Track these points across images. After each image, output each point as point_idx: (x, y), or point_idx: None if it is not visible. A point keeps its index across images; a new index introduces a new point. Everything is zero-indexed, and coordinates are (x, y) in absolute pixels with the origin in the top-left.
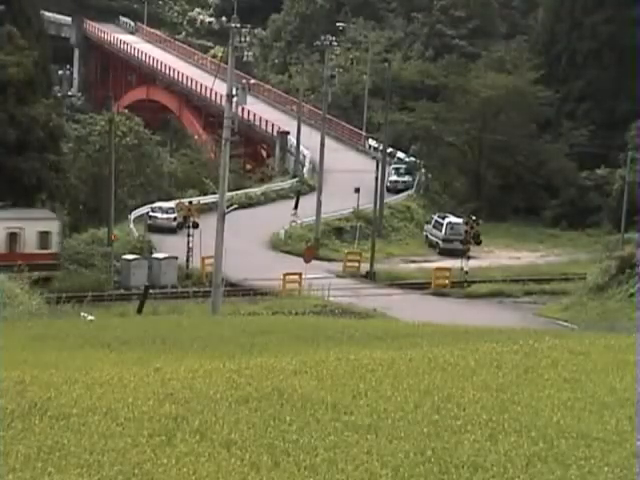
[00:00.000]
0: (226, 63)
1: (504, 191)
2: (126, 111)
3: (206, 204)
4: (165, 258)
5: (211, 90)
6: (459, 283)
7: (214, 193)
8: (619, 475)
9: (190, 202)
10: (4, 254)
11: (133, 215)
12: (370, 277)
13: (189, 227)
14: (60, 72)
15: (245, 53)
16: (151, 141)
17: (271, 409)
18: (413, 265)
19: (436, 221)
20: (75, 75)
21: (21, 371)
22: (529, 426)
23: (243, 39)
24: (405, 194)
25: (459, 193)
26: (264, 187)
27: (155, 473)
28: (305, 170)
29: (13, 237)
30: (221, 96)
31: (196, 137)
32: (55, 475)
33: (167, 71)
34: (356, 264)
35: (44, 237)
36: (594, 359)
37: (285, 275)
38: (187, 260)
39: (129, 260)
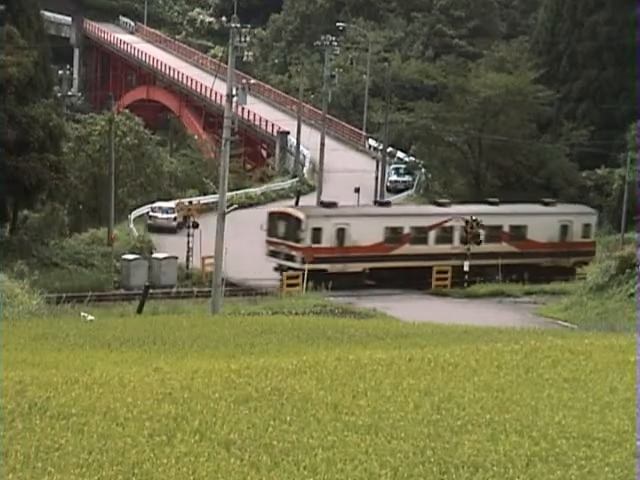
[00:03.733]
0: (226, 63)
1: (504, 191)
2: (126, 111)
3: (206, 204)
4: (165, 258)
5: (211, 90)
6: (459, 283)
7: (214, 193)
8: (619, 475)
9: (190, 202)
10: (556, 243)
11: (133, 215)
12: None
13: (189, 227)
14: (60, 72)
15: (245, 53)
16: (151, 141)
17: (271, 409)
18: None
19: None
20: (75, 75)
21: (21, 371)
22: (530, 426)
23: (243, 39)
24: (405, 194)
25: (459, 193)
26: (264, 187)
27: (154, 473)
28: (305, 170)
29: (564, 229)
30: (221, 96)
31: (196, 137)
32: (55, 475)
33: (167, 71)
34: None
35: (586, 228)
36: (594, 359)
37: (285, 275)
38: (187, 260)
39: (129, 260)
